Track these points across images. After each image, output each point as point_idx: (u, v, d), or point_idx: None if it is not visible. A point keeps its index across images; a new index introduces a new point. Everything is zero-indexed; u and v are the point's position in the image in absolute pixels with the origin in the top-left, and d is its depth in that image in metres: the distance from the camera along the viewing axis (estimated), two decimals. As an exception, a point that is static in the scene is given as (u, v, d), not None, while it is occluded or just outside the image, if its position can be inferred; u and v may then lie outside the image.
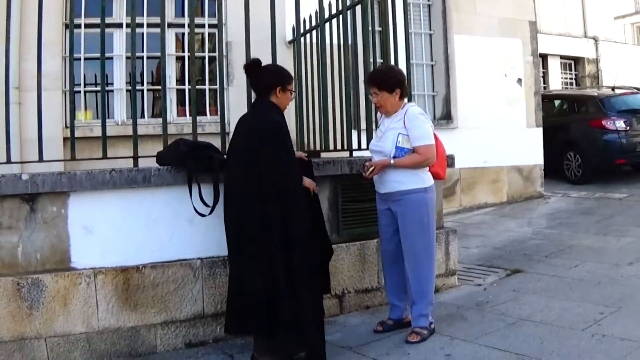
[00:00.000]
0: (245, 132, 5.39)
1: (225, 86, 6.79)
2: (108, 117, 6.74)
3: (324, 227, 5.90)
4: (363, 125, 7.16)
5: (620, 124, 14.30)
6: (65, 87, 9.43)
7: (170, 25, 10.02)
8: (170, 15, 10.15)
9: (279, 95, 5.42)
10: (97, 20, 6.21)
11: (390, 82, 5.88)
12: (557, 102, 16.87)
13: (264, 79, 5.45)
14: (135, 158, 6.02)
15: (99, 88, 7.04)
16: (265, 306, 5.14)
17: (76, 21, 6.99)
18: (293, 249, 5.15)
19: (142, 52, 9.90)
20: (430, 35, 13.14)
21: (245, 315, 5.23)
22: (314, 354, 5.25)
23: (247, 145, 5.28)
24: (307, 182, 5.61)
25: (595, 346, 5.36)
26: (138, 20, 6.50)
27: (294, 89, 5.63)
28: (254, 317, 5.20)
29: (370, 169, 5.82)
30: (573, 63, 24.96)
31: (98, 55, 6.20)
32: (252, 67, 5.47)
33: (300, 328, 5.16)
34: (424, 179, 5.84)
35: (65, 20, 9.42)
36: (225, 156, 5.73)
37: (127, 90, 9.98)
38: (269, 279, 5.13)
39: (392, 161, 5.76)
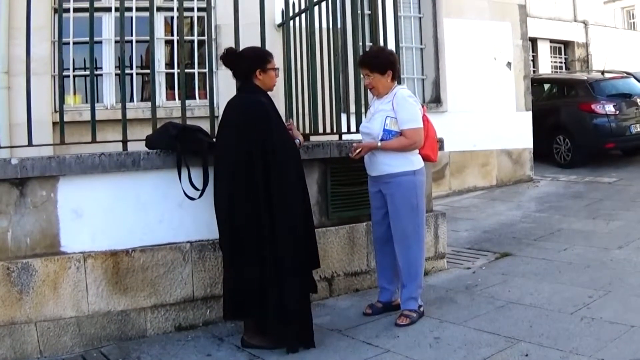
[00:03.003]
0: (231, 115, 5.40)
1: (214, 70, 6.74)
2: (97, 101, 6.70)
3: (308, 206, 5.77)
4: (352, 108, 7.15)
5: (609, 108, 14.34)
6: (54, 72, 9.40)
7: (159, 9, 9.97)
8: (159, -1, 10.10)
9: (261, 77, 5.42)
10: (86, 5, 6.15)
11: (382, 63, 5.88)
12: (546, 86, 16.89)
13: (242, 66, 5.46)
14: (125, 142, 5.99)
15: (88, 72, 7.00)
16: (256, 292, 5.20)
17: (65, 5, 6.93)
18: (281, 233, 5.19)
19: (131, 36, 9.86)
20: (420, 18, 13.13)
21: (240, 301, 5.29)
22: (301, 338, 5.31)
23: (233, 128, 5.30)
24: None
25: (585, 329, 5.39)
26: (127, 4, 6.47)
27: (276, 66, 5.59)
28: (247, 303, 5.26)
29: (357, 150, 5.84)
30: (563, 47, 25.00)
31: (87, 39, 6.15)
32: (228, 57, 5.47)
33: (284, 316, 5.21)
34: (413, 161, 5.84)
35: (54, 4, 9.38)
36: (214, 139, 5.73)
37: (116, 74, 9.99)
38: (258, 263, 5.18)
39: (379, 144, 5.76)
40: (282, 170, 5.23)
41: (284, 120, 5.87)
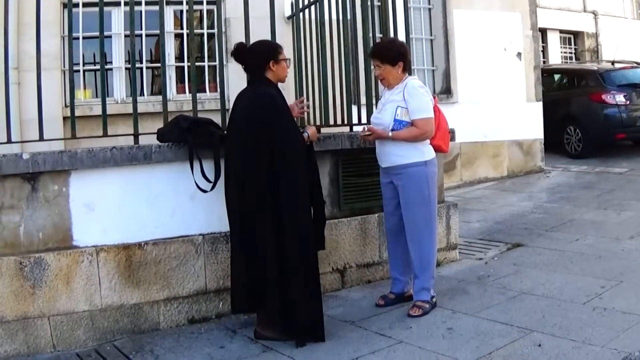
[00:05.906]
0: (242, 108, 5.40)
1: (224, 63, 6.76)
2: (107, 96, 6.70)
3: (318, 189, 5.73)
4: (363, 100, 7.14)
5: (620, 98, 14.27)
6: (64, 67, 9.42)
7: (169, 2, 9.98)
8: (168, -8, 10.10)
9: (274, 68, 5.42)
10: (96, -1, 6.19)
11: (393, 54, 5.87)
12: (556, 77, 16.82)
13: (254, 60, 5.45)
14: (136, 135, 6.01)
15: (98, 67, 7.00)
16: (262, 287, 5.23)
17: (74, 0, 6.96)
18: (287, 228, 5.20)
19: (141, 30, 9.87)
20: (429, 9, 13.11)
21: (251, 294, 5.31)
22: (310, 331, 5.31)
23: (245, 121, 5.31)
24: (312, 131, 5.66)
25: (597, 319, 5.39)
26: (136, -3, 6.48)
27: (286, 57, 5.59)
28: (253, 296, 5.30)
29: (367, 133, 5.86)
30: (572, 37, 24.86)
31: (97, 34, 6.17)
32: (239, 52, 5.45)
33: (288, 311, 5.24)
34: (424, 152, 5.83)
35: (63, -1, 9.41)
36: (225, 132, 5.73)
37: (126, 69, 9.99)
38: (264, 258, 5.20)
39: (390, 134, 5.76)
40: (288, 163, 5.22)
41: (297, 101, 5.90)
